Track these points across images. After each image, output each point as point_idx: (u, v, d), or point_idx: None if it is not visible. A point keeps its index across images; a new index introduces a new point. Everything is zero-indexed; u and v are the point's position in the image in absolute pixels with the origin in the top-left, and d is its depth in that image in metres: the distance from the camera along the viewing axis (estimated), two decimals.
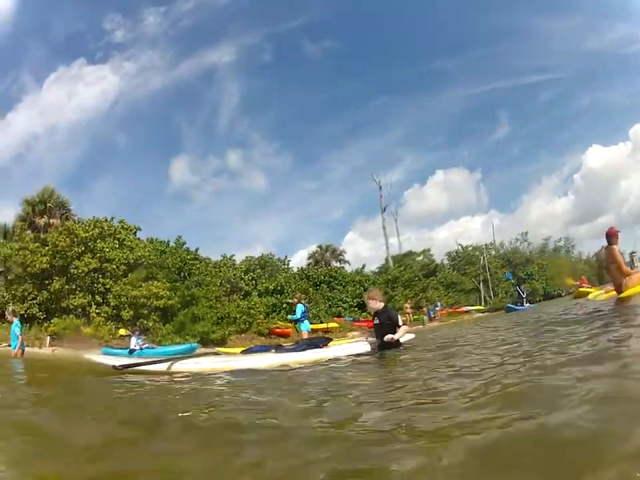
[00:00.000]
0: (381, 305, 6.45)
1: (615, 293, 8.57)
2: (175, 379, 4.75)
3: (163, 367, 5.45)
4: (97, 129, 66.29)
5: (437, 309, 31.61)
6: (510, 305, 25.84)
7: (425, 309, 31.11)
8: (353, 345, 6.57)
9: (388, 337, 5.95)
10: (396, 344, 6.08)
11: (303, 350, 6.36)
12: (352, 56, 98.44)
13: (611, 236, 7.89)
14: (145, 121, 75.08)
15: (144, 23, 75.40)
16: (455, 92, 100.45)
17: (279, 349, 6.78)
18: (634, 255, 63.56)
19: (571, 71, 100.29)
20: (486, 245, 50.84)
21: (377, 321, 6.35)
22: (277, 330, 21.85)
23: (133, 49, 76.76)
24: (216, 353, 9.02)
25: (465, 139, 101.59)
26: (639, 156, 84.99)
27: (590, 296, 11.23)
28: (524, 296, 26.94)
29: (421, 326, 25.04)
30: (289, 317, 15.80)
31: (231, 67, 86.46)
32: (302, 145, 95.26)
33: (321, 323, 23.63)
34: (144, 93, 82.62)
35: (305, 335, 12.80)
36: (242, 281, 28.00)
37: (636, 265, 64.02)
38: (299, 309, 13.37)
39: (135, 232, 23.74)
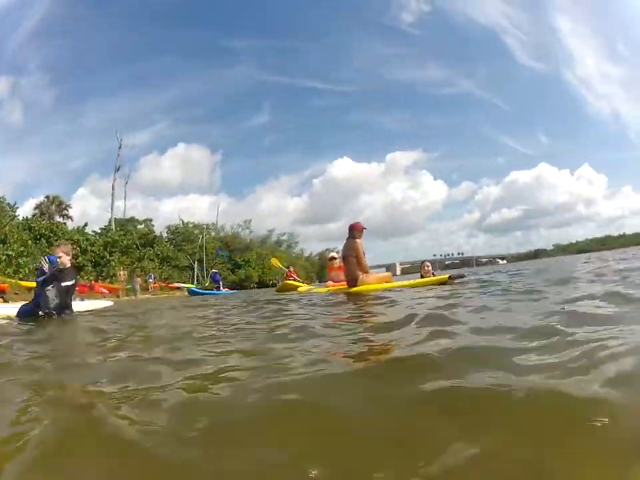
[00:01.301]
0: (68, 263, 6.25)
1: (339, 287, 9.10)
2: None
3: None
4: None
5: (150, 280, 32.70)
6: (194, 289, 25.43)
7: (139, 278, 32.88)
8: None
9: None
10: (65, 310, 6.16)
11: None
12: (157, 8, 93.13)
13: (356, 230, 8.40)
14: None
15: None
16: (234, 72, 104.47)
17: None
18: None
19: (357, 88, 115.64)
20: (207, 225, 53.42)
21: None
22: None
23: None
24: None
25: (222, 118, 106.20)
26: (389, 178, 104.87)
27: (301, 289, 11.40)
28: (218, 280, 27.52)
29: (133, 296, 26.81)
30: None
31: None
32: (73, 84, 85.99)
33: None
34: None
35: None
36: None
37: None
38: None
39: None
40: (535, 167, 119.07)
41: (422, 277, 8.74)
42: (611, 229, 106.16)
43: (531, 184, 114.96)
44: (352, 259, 8.21)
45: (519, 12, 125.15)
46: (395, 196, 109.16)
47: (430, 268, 9.12)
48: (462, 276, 7.47)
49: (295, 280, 16.89)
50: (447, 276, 7.27)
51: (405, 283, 8.04)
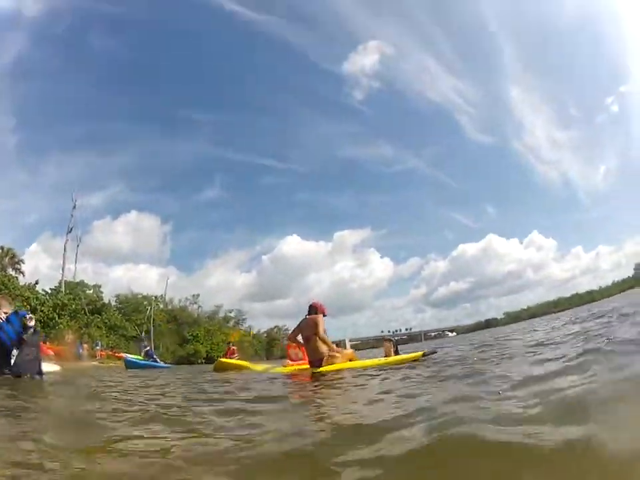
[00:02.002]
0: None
1: (299, 365, 8.77)
2: None
3: None
4: None
5: (98, 348, 31.05)
6: (131, 359, 23.02)
7: (86, 345, 31.33)
8: None
9: None
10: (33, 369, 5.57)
11: None
12: (124, 69, 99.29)
13: (316, 308, 8.00)
14: None
15: None
16: (190, 144, 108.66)
17: None
18: None
19: (307, 167, 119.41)
20: (155, 297, 53.52)
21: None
22: None
23: None
24: None
25: (175, 189, 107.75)
26: (335, 257, 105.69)
27: (258, 368, 10.70)
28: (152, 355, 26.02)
29: (82, 362, 26.67)
30: None
31: (29, 22, 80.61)
32: (33, 134, 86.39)
33: None
34: None
35: None
36: None
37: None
38: None
39: None
40: (483, 238, 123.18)
41: (386, 354, 8.53)
42: (562, 290, 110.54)
43: (479, 256, 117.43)
44: (315, 337, 7.72)
45: (470, 87, 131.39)
46: (342, 274, 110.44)
47: (391, 345, 8.79)
48: (434, 352, 7.41)
49: (235, 358, 15.77)
50: (421, 353, 7.13)
51: (378, 361, 7.60)
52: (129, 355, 29.36)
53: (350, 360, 7.83)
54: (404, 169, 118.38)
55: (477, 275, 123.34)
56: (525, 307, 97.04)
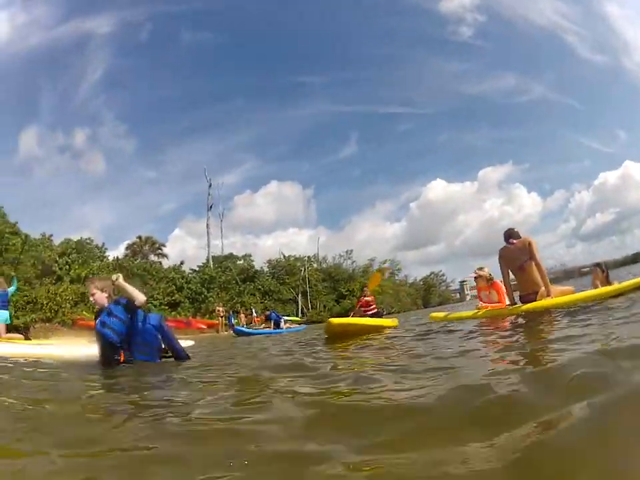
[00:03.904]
0: (105, 300, 4.80)
1: (496, 307, 7.38)
2: None
3: None
4: None
5: (253, 315, 32.56)
6: (239, 328, 23.05)
7: (242, 315, 32.47)
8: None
9: None
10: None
11: None
12: (223, 54, 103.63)
13: (516, 231, 6.96)
14: (8, 82, 68.54)
15: None
16: (312, 107, 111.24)
17: None
18: (464, 283, 75.36)
19: (436, 108, 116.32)
20: (308, 257, 53.84)
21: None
22: (82, 322, 20.92)
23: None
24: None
25: (309, 153, 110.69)
26: (483, 196, 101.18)
27: (435, 316, 8.52)
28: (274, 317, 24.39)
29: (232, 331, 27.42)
30: None
31: (106, 39, 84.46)
32: (149, 133, 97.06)
33: None
34: (20, 49, 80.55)
35: (2, 329, 9.64)
36: (56, 264, 27.63)
37: (466, 292, 75.46)
38: None
39: None
40: (620, 165, 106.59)
41: (596, 285, 7.14)
42: None
43: (619, 184, 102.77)
44: (531, 263, 6.53)
45: (570, 6, 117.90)
46: (491, 213, 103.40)
47: (600, 272, 7.40)
48: None
49: (365, 312, 12.38)
50: None
51: (606, 289, 6.32)
52: (295, 319, 32.72)
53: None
54: (530, 98, 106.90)
55: (619, 205, 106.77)
56: None
